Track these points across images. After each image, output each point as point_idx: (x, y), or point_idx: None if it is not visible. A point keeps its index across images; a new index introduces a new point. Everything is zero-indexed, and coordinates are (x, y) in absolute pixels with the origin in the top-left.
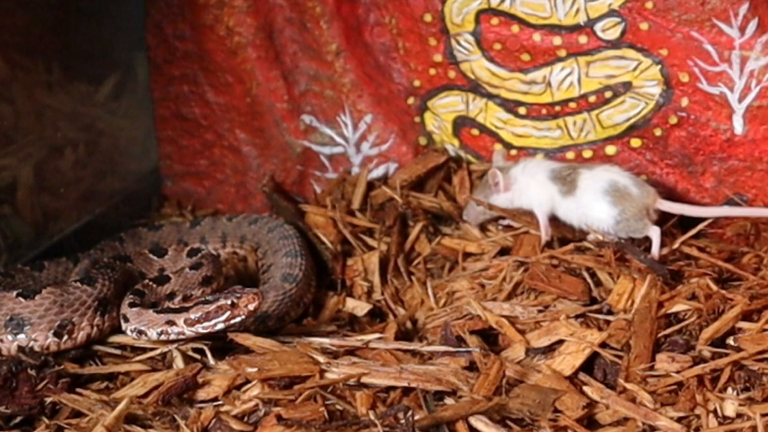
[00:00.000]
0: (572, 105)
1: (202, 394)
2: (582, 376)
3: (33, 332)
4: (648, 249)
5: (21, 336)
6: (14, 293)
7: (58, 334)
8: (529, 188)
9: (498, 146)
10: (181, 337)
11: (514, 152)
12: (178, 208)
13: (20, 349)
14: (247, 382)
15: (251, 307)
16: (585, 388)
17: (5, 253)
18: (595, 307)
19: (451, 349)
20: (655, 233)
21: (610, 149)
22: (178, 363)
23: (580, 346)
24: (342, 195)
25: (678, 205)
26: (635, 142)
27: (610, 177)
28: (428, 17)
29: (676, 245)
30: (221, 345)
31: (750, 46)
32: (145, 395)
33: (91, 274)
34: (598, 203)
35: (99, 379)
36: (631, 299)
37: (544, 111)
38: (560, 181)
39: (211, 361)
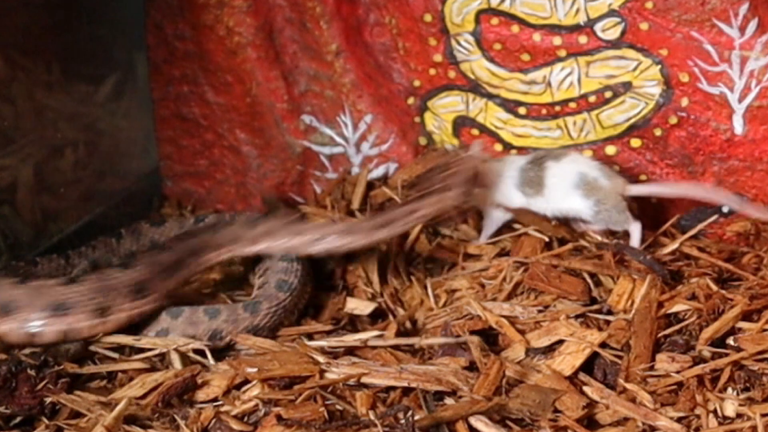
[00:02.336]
0: (572, 105)
1: (201, 395)
2: (582, 376)
3: (76, 314)
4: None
5: (64, 319)
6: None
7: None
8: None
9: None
10: None
11: (514, 152)
12: (178, 208)
13: (63, 332)
14: (247, 381)
15: None
16: (585, 388)
17: (5, 253)
18: (595, 307)
19: (449, 340)
20: (636, 228)
21: (610, 149)
22: (176, 365)
23: (580, 346)
24: (342, 195)
25: (646, 186)
26: (635, 142)
27: (577, 170)
28: (428, 17)
29: (676, 245)
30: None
31: (750, 46)
32: (144, 396)
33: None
34: (569, 198)
35: (98, 378)
36: (631, 299)
37: (544, 111)
38: (527, 184)
39: (211, 361)
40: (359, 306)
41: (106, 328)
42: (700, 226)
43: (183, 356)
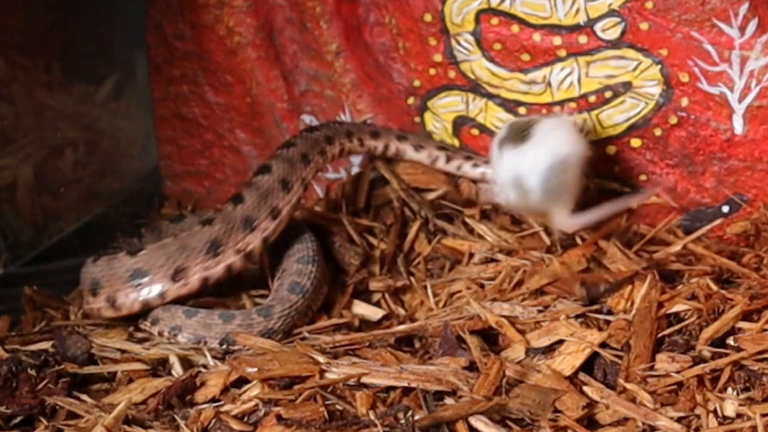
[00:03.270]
0: (572, 105)
1: (200, 395)
2: (582, 376)
3: (261, 223)
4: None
5: (257, 231)
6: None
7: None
8: None
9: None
10: None
11: None
12: (178, 208)
13: (264, 240)
14: (247, 381)
15: None
16: (585, 388)
17: (5, 252)
18: (595, 307)
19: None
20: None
21: (610, 149)
22: (177, 369)
23: (580, 346)
24: (344, 195)
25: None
26: (635, 142)
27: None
28: (428, 17)
29: (680, 246)
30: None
31: (750, 46)
32: (144, 401)
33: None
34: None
35: (98, 381)
36: (631, 299)
37: (544, 111)
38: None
39: (211, 362)
40: (368, 312)
41: (283, 227)
42: (705, 229)
43: (184, 361)
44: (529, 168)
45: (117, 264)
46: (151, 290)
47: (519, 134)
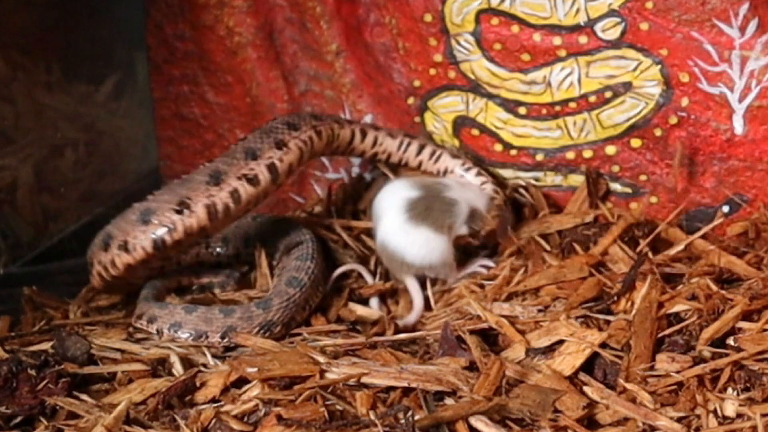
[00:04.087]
0: (572, 105)
1: (200, 395)
2: (582, 376)
3: (263, 155)
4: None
5: (260, 161)
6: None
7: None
8: None
9: None
10: None
11: (514, 152)
12: None
13: (271, 167)
14: (247, 381)
15: None
16: (585, 388)
17: (5, 253)
18: (596, 307)
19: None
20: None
21: (610, 149)
22: (177, 368)
23: (580, 346)
24: (344, 195)
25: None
26: (635, 142)
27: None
28: (428, 17)
29: (682, 246)
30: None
31: (750, 46)
32: (144, 401)
33: None
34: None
35: (98, 381)
36: (631, 300)
37: (544, 111)
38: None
39: (211, 362)
40: (365, 313)
41: (291, 159)
42: (707, 228)
43: (184, 360)
44: (405, 246)
45: (128, 212)
46: (159, 226)
47: (421, 210)
